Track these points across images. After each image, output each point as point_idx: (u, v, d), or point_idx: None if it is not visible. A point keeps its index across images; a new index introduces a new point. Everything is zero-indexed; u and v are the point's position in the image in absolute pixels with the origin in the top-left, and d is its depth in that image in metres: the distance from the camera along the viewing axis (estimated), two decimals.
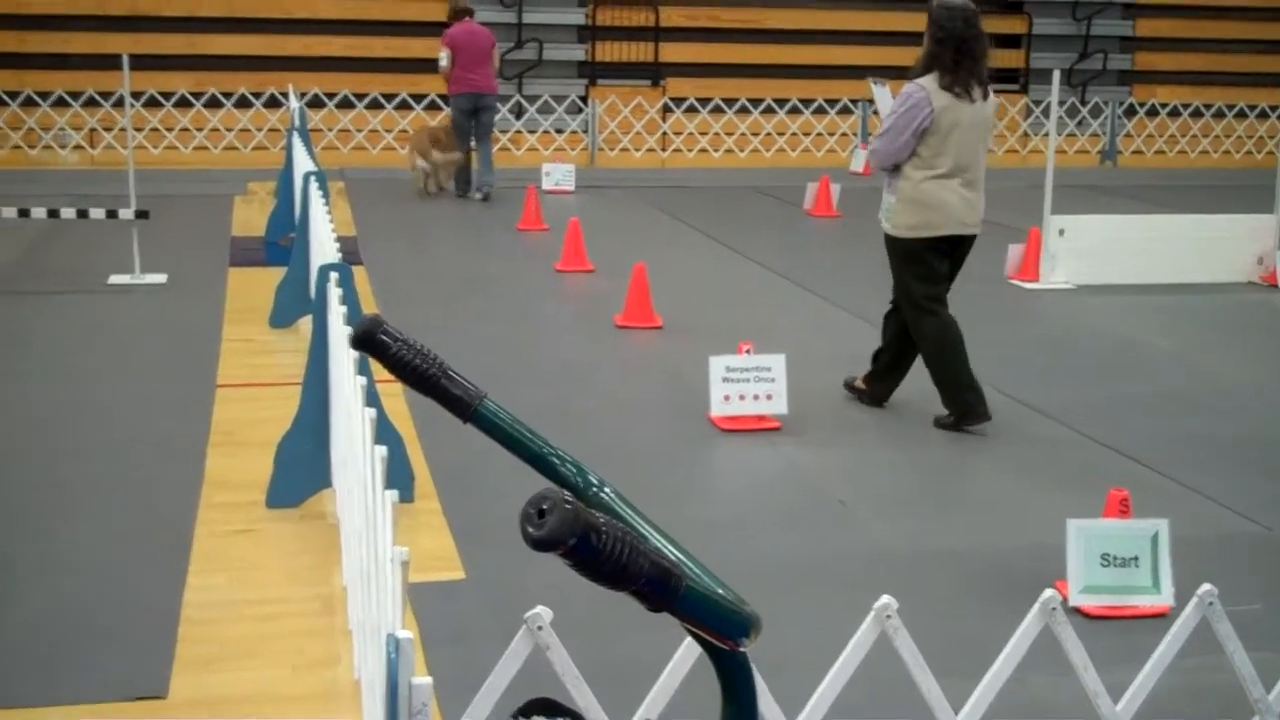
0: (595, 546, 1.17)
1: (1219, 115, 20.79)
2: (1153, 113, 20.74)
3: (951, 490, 6.00)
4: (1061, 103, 16.27)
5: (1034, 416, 7.01)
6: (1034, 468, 6.24)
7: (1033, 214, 11.10)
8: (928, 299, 6.69)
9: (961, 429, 6.63)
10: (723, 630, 1.33)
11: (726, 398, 6.59)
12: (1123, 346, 8.71)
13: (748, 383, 6.59)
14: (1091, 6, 21.16)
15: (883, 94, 8.08)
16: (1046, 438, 6.70)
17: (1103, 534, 4.54)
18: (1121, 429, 6.79)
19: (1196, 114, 20.74)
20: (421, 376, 1.64)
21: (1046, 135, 11.72)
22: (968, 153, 6.52)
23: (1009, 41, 21.25)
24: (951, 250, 6.72)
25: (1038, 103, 20.34)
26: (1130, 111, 20.91)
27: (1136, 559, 4.52)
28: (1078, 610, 4.48)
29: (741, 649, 1.37)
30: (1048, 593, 3.25)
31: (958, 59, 6.44)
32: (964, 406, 6.62)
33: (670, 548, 1.41)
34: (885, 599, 3.14)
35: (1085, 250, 10.58)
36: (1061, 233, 10.57)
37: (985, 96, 6.55)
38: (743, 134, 19.15)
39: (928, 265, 6.67)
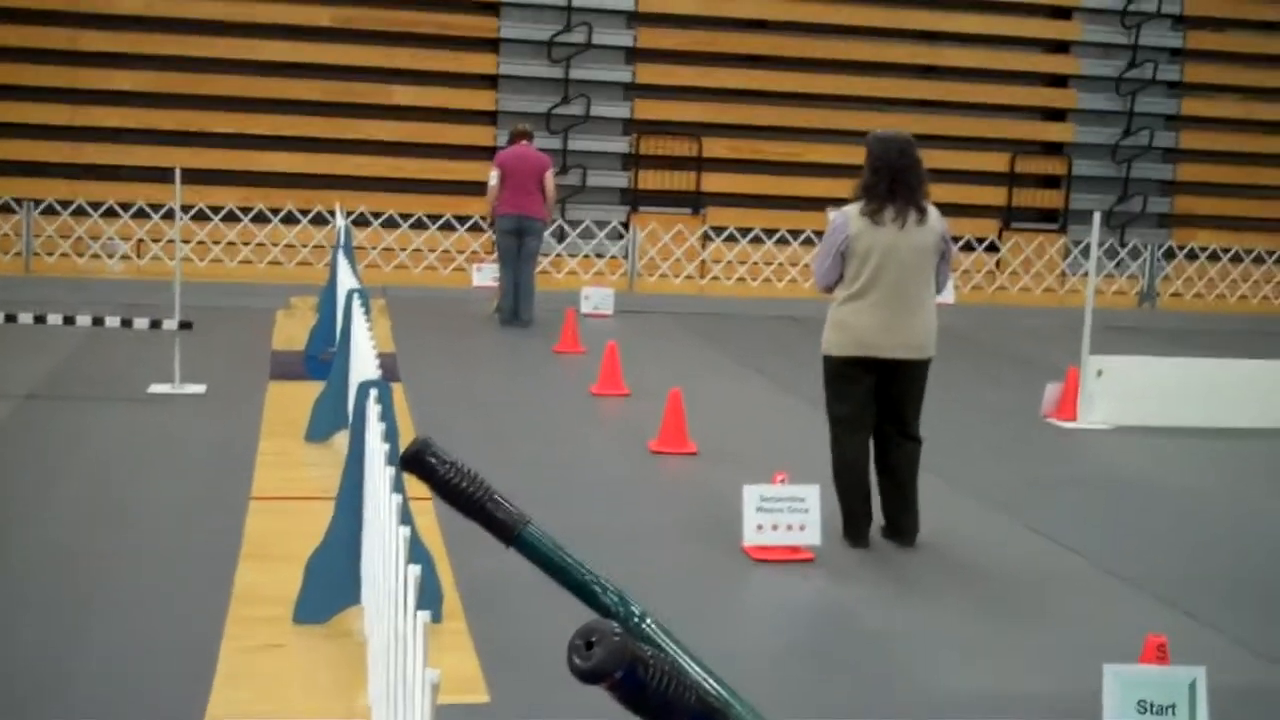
0: (642, 680, 1.16)
1: (1259, 260, 20.81)
2: (1192, 256, 20.78)
3: (986, 631, 5.91)
4: (1101, 244, 16.29)
5: (1070, 557, 6.93)
6: (1070, 610, 6.15)
7: (1070, 354, 11.08)
8: (836, 419, 6.93)
9: (844, 537, 6.86)
10: None
11: (760, 527, 6.55)
12: (1161, 488, 8.63)
13: (781, 513, 6.55)
14: (1131, 150, 21.34)
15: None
16: (1083, 579, 6.61)
17: (1140, 680, 4.46)
18: (1159, 572, 6.70)
19: (1236, 259, 20.77)
20: (466, 500, 1.65)
21: (1085, 275, 11.75)
22: (889, 276, 6.67)
23: (1049, 182, 21.44)
24: (881, 375, 6.77)
25: (1077, 243, 20.44)
26: (1170, 254, 20.96)
27: (1174, 707, 4.42)
28: None
29: None
30: None
31: (893, 188, 6.67)
32: (847, 522, 6.90)
33: (714, 682, 1.39)
34: None
35: (1124, 391, 10.54)
36: (1100, 373, 10.54)
37: (921, 222, 6.68)
38: (781, 264, 19.28)
39: (841, 384, 6.86)
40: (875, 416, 6.89)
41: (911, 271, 6.71)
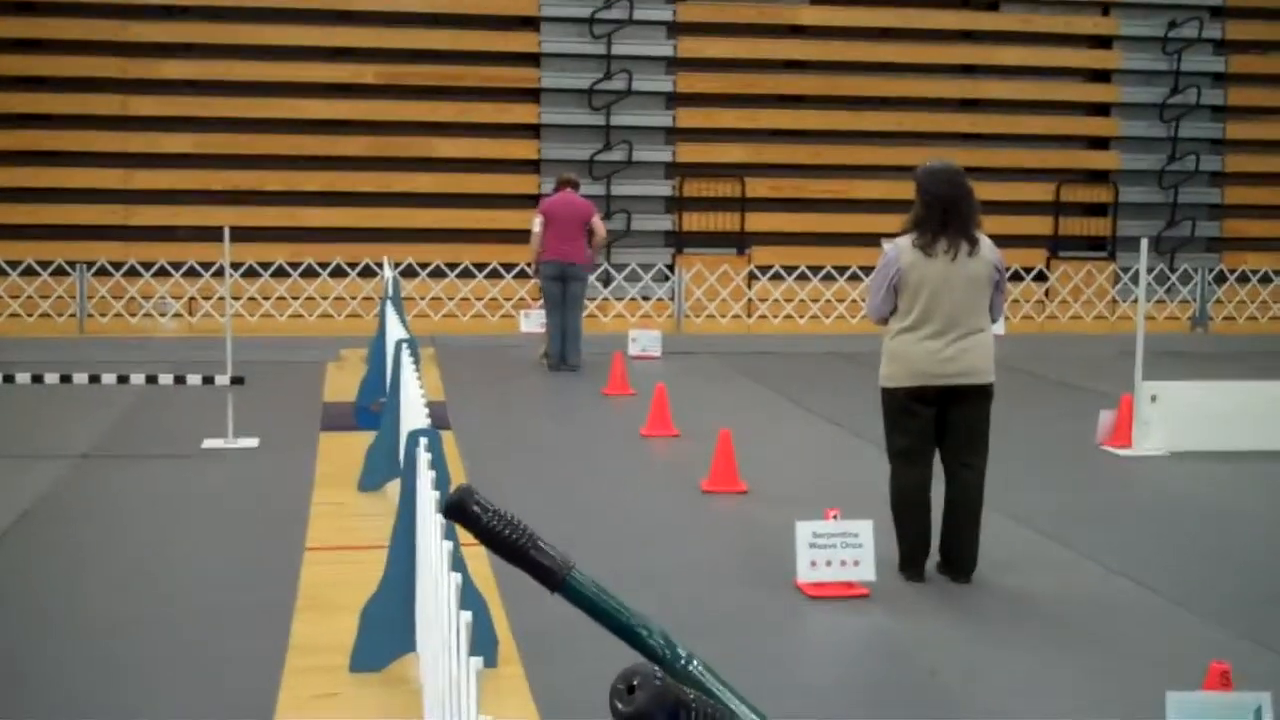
0: None
1: None
2: (1243, 279, 20.56)
3: (1046, 663, 5.82)
4: (1150, 270, 16.21)
5: (1130, 585, 6.83)
6: (1131, 639, 6.06)
7: (1123, 381, 10.97)
8: (895, 452, 6.90)
9: (901, 572, 6.81)
10: None
11: (814, 564, 6.50)
12: (1220, 514, 8.50)
13: (835, 549, 6.50)
14: (1177, 175, 21.18)
15: None
16: (1144, 608, 6.51)
17: (1204, 708, 4.38)
18: (1221, 598, 6.59)
19: None
20: (510, 547, 1.64)
21: (1135, 302, 11.65)
22: (943, 308, 6.66)
23: (1096, 210, 21.30)
24: (941, 405, 6.73)
25: (1126, 270, 20.28)
26: (1220, 278, 20.75)
27: None
28: None
29: None
30: None
31: (945, 220, 6.67)
32: (904, 556, 6.85)
33: None
34: None
35: (1179, 416, 10.41)
36: (1154, 399, 10.42)
37: (974, 253, 6.68)
38: (828, 301, 19.25)
39: (900, 416, 6.84)
40: (935, 449, 6.85)
41: (965, 301, 6.69)
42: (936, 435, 6.82)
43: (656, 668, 1.16)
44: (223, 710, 5.01)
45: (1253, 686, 4.63)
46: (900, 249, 6.75)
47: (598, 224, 14.07)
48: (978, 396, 6.77)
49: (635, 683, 1.15)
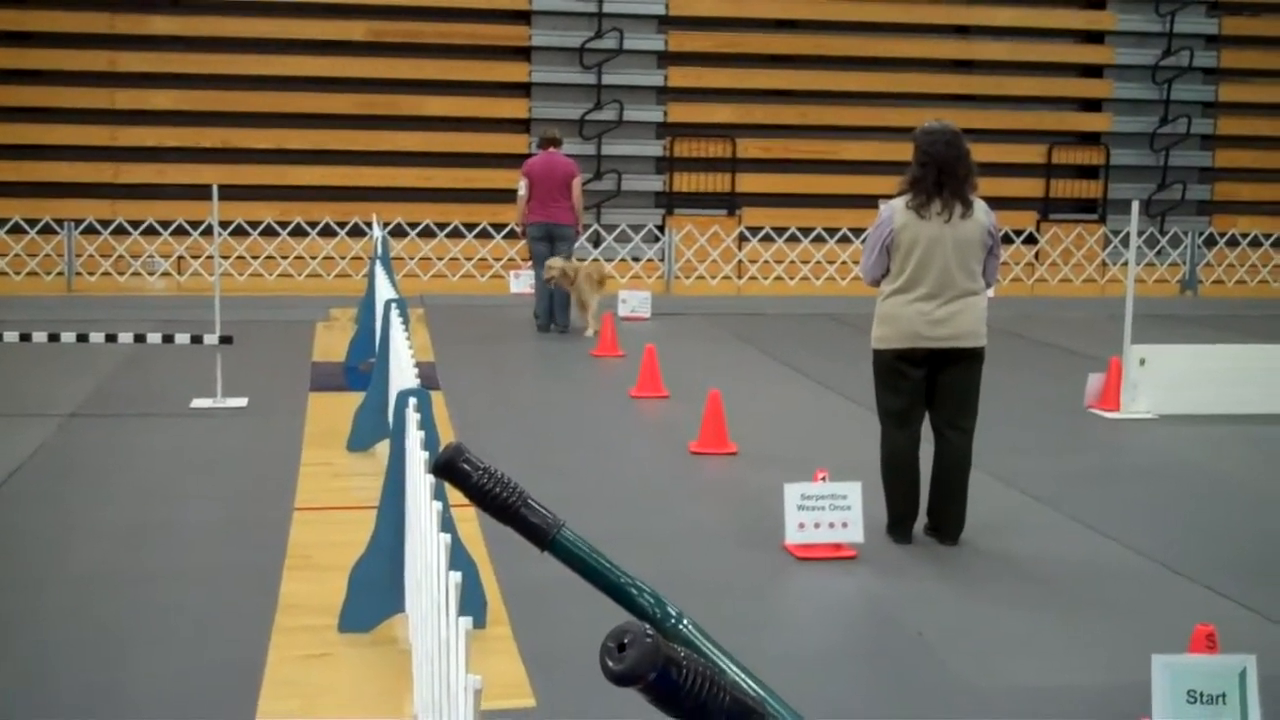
0: (676, 681, 1.15)
1: None
2: (1233, 243, 20.58)
3: (1033, 625, 5.86)
4: (1141, 233, 16.24)
5: (1116, 548, 6.87)
6: (1117, 602, 6.09)
7: (1112, 343, 10.99)
8: (886, 413, 6.94)
9: (889, 534, 6.88)
10: None
11: (801, 525, 6.52)
12: (1207, 477, 8.54)
13: (823, 510, 6.52)
14: (1169, 138, 21.15)
15: None
16: (1130, 571, 6.55)
17: (1189, 670, 4.41)
18: (1206, 561, 6.63)
19: (1278, 244, 20.55)
20: (500, 505, 1.64)
21: (1125, 265, 11.65)
22: (935, 270, 6.68)
23: (1087, 172, 21.28)
24: (932, 367, 6.75)
25: (1116, 232, 20.29)
26: (1210, 241, 20.77)
27: (1224, 695, 4.37)
28: None
29: None
30: None
31: (940, 181, 6.68)
32: (892, 518, 6.90)
33: (750, 683, 1.38)
34: None
35: (1167, 380, 10.44)
36: (1143, 362, 10.45)
37: (967, 216, 6.68)
38: (818, 262, 19.24)
39: (891, 378, 6.86)
40: (925, 411, 6.87)
41: (957, 264, 6.70)
42: (926, 398, 6.85)
43: (648, 626, 1.16)
44: (210, 669, 5.03)
45: (1238, 649, 4.66)
46: (894, 210, 6.76)
47: (576, 189, 14.01)
48: (968, 360, 6.78)
49: (626, 640, 1.15)
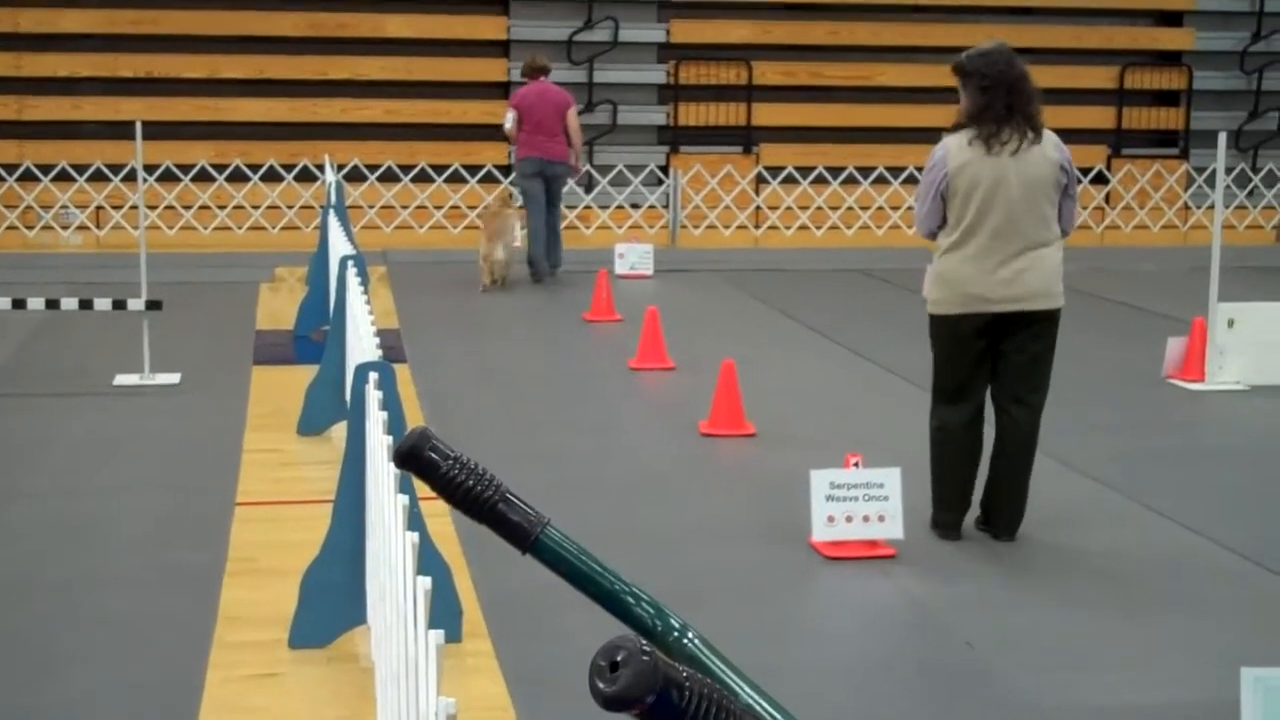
0: (677, 706, 1.17)
1: None
2: None
3: (1101, 634, 5.90)
4: (1229, 170, 16.17)
5: (1200, 543, 6.90)
6: (1202, 607, 6.12)
7: (1196, 302, 11.00)
8: (940, 388, 6.90)
9: (933, 528, 6.88)
10: None
11: (831, 519, 6.55)
12: None
13: (856, 501, 6.55)
14: (1263, 57, 21.10)
15: None
16: (1219, 571, 6.58)
17: None
18: None
19: None
20: (474, 501, 1.66)
21: (1211, 208, 11.65)
22: (997, 218, 6.60)
23: (1166, 99, 21.24)
24: (996, 334, 6.72)
25: (1200, 170, 20.26)
26: None
27: None
28: None
29: None
30: None
31: (1010, 104, 6.59)
32: (939, 509, 6.90)
33: (765, 705, 1.40)
34: None
35: (1261, 344, 10.44)
36: (1231, 324, 10.45)
37: (1036, 144, 6.60)
38: (850, 208, 19.22)
39: (948, 345, 6.84)
40: (986, 384, 6.85)
41: (1024, 209, 6.61)
42: (990, 368, 6.83)
43: (644, 641, 1.18)
44: (140, 691, 5.06)
45: None
46: (948, 149, 6.67)
47: (573, 122, 14.38)
48: (1041, 324, 6.70)
49: (619, 658, 1.17)
